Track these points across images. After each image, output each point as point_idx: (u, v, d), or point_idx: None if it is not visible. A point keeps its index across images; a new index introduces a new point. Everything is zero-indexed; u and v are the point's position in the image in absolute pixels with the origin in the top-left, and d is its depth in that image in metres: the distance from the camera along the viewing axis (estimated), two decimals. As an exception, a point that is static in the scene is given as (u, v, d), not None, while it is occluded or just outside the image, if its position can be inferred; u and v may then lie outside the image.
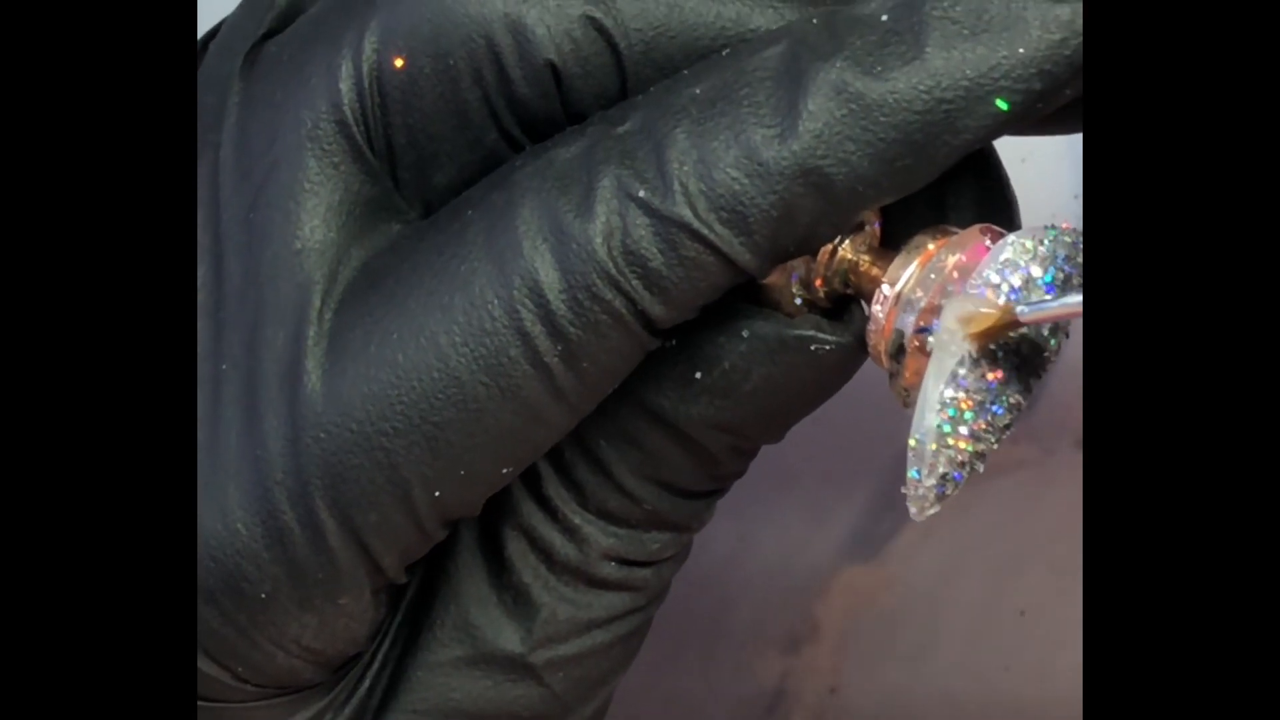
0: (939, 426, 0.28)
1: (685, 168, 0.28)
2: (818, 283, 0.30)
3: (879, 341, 0.29)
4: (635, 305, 0.28)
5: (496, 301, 0.28)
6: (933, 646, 0.45)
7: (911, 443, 0.29)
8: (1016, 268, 0.28)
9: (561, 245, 0.28)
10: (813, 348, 0.30)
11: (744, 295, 0.30)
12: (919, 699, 0.45)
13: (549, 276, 0.28)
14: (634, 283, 0.28)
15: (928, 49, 0.28)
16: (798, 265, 0.30)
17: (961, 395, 0.28)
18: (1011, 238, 0.28)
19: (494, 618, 0.31)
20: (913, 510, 0.29)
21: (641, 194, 0.28)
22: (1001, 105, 0.28)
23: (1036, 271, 0.28)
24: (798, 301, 0.30)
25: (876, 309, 0.29)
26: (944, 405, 0.28)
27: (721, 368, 0.30)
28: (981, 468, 0.29)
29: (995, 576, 0.45)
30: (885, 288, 0.29)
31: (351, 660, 0.32)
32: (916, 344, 0.29)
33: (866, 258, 0.30)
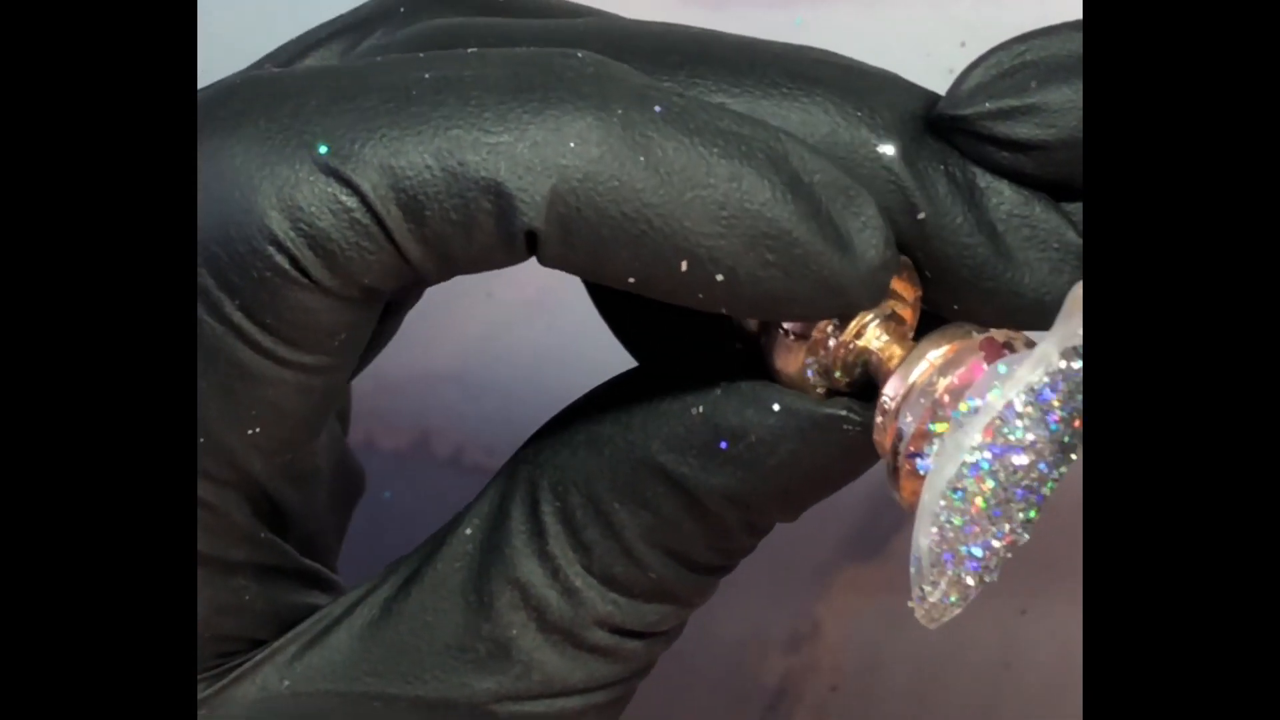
0: (931, 550, 0.28)
1: (380, 149, 0.28)
2: (837, 372, 0.30)
3: (883, 444, 0.29)
4: (300, 265, 0.28)
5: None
6: (934, 644, 0.45)
7: (912, 565, 0.28)
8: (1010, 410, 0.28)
9: (223, 200, 0.28)
10: (845, 427, 0.29)
11: (767, 380, 0.30)
12: (920, 697, 0.45)
13: (208, 228, 0.28)
14: (298, 241, 0.28)
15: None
16: (811, 362, 0.30)
17: (956, 523, 0.28)
18: (1002, 367, 0.28)
19: (465, 664, 0.31)
20: (924, 623, 0.29)
21: (323, 151, 0.28)
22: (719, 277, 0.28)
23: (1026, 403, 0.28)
24: (820, 391, 0.30)
25: (878, 418, 0.29)
26: (940, 529, 0.28)
27: (748, 440, 0.29)
28: (992, 578, 0.29)
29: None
30: (885, 398, 0.29)
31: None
32: (909, 468, 0.29)
33: (881, 352, 0.30)
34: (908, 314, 0.30)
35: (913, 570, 0.28)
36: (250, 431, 0.29)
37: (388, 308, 0.36)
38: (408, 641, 0.31)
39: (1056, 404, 0.28)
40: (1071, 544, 0.45)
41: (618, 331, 0.34)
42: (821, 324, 0.29)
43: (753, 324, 0.30)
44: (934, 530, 0.28)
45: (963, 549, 0.28)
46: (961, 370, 0.28)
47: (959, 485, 0.28)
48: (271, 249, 0.28)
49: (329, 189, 0.28)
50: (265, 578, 0.31)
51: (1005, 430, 0.28)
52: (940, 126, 0.30)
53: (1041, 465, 0.28)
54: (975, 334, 0.29)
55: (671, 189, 0.28)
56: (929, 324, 0.30)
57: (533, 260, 0.38)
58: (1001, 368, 0.28)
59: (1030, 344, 0.29)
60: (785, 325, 0.29)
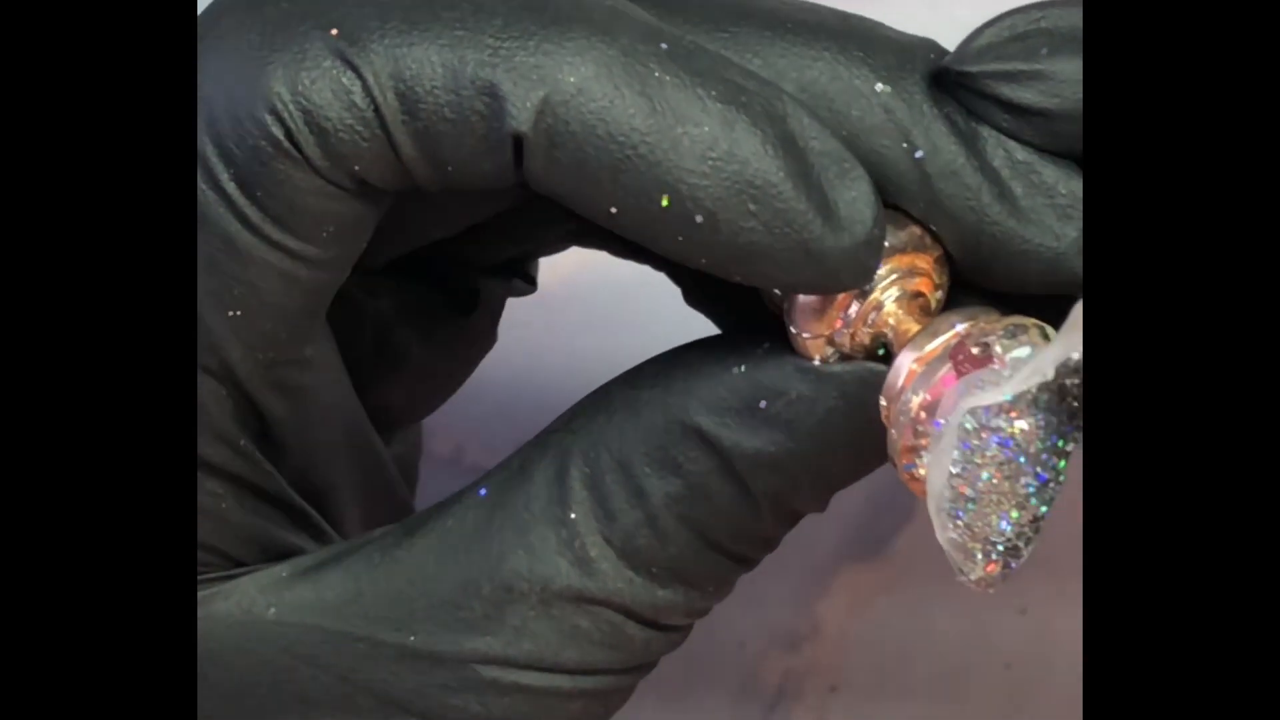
0: (953, 541, 0.28)
1: (387, 40, 0.28)
2: (859, 357, 0.30)
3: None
4: (293, 139, 0.29)
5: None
6: (934, 644, 0.45)
7: (945, 553, 0.28)
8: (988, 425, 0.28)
9: (234, 71, 0.29)
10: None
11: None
12: (920, 697, 0.45)
13: (216, 97, 0.29)
14: (295, 115, 0.28)
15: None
16: (831, 352, 0.29)
17: (968, 515, 0.28)
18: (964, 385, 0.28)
19: (458, 621, 0.30)
20: (979, 592, 0.29)
21: (334, 35, 0.29)
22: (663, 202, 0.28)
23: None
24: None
25: (883, 417, 0.29)
26: (954, 524, 0.28)
27: (788, 397, 0.29)
28: (1033, 546, 0.28)
29: (997, 575, 0.45)
30: (881, 402, 0.29)
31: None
32: (906, 476, 0.29)
33: (896, 328, 0.29)
34: (926, 285, 0.30)
35: (948, 557, 0.28)
36: (230, 313, 0.30)
37: (478, 319, 0.36)
38: (403, 590, 0.31)
39: (1019, 412, 0.28)
40: (1072, 544, 0.45)
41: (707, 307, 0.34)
42: (833, 315, 0.29)
43: (776, 302, 0.30)
44: (949, 525, 0.28)
45: (982, 537, 0.28)
46: (932, 385, 0.28)
47: (954, 488, 0.28)
48: (269, 119, 0.28)
49: (334, 70, 0.28)
50: (244, 493, 0.31)
51: (976, 444, 0.28)
52: (945, 81, 0.29)
53: (1026, 457, 0.28)
54: (958, 324, 0.29)
55: (662, 120, 0.28)
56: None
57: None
58: (969, 394, 0.28)
59: (1014, 330, 0.29)
60: (794, 328, 0.29)
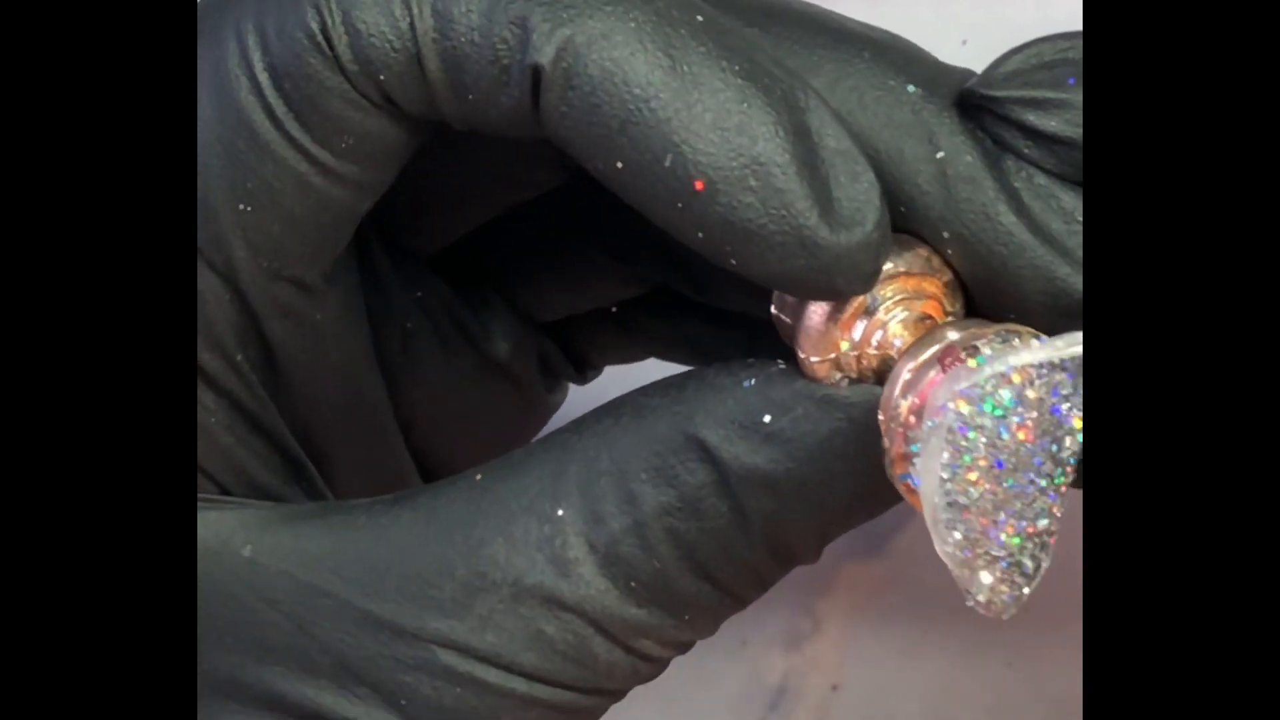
0: (953, 555, 0.28)
1: None
2: (870, 381, 0.30)
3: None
4: (328, 34, 0.29)
5: (231, 33, 0.30)
6: (935, 643, 0.45)
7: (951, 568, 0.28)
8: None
9: None
10: None
11: None
12: (921, 696, 0.45)
13: (267, 16, 0.30)
14: (334, 11, 0.29)
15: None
16: (840, 377, 0.29)
17: (964, 530, 0.28)
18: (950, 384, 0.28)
19: (425, 598, 0.30)
20: (993, 616, 0.29)
21: None
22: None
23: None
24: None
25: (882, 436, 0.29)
26: (950, 539, 0.28)
27: (794, 414, 0.29)
28: (1040, 562, 0.28)
29: (998, 573, 0.45)
30: (879, 413, 0.29)
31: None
32: (904, 487, 0.29)
33: (901, 352, 0.29)
34: (935, 309, 0.30)
35: (955, 578, 0.28)
36: (241, 207, 0.30)
37: (513, 372, 0.36)
38: (381, 557, 0.30)
39: (1005, 407, 0.27)
40: (1073, 543, 0.45)
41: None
42: (837, 337, 0.29)
43: (786, 330, 0.30)
44: (947, 538, 0.28)
45: (982, 550, 0.28)
46: (920, 389, 0.28)
47: (948, 499, 0.28)
48: (309, 11, 0.29)
49: None
50: (236, 416, 0.31)
51: (965, 444, 0.27)
52: (969, 104, 0.29)
53: (1017, 461, 0.28)
54: (950, 334, 0.29)
55: (680, 82, 0.28)
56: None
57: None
58: (951, 384, 0.28)
59: (1006, 335, 0.28)
60: (801, 351, 0.29)
